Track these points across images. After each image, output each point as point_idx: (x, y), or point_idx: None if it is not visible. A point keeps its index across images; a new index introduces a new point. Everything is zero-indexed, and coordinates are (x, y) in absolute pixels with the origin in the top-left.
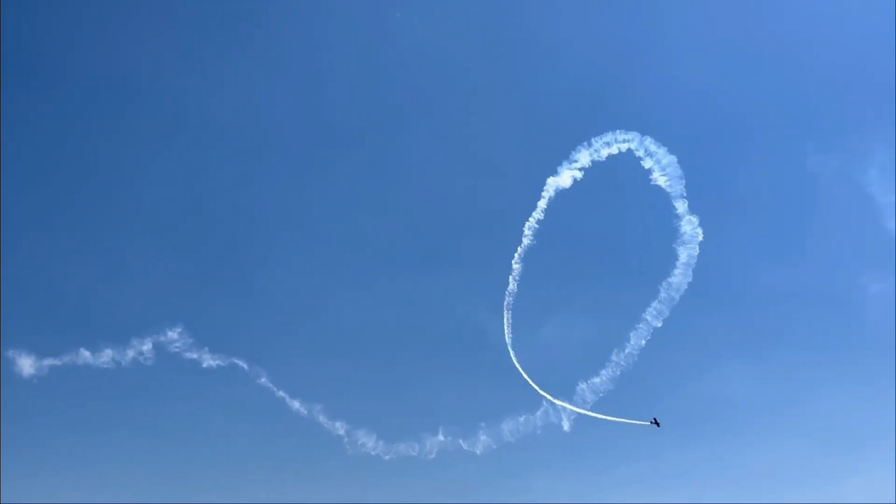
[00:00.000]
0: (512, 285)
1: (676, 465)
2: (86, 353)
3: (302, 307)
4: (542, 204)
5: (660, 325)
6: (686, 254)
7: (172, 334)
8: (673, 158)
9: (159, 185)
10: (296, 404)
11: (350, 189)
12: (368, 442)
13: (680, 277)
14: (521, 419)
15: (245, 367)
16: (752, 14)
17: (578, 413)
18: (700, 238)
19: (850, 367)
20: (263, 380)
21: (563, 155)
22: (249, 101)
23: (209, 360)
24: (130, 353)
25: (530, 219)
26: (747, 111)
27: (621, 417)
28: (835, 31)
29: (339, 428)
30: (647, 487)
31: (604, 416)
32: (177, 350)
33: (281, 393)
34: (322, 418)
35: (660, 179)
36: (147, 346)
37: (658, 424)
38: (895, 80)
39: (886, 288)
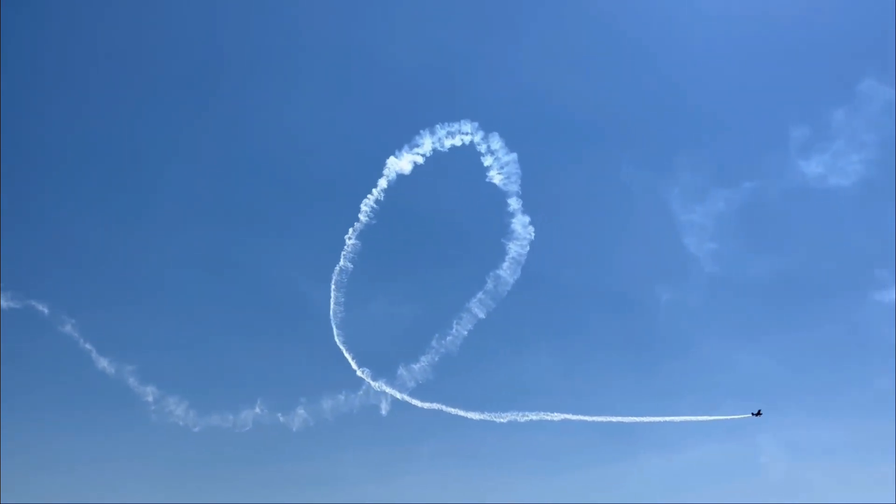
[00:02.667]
0: (343, 262)
1: (477, 447)
2: None
3: (120, 258)
4: (381, 183)
5: (484, 316)
6: (515, 250)
7: None
8: (514, 156)
9: None
10: (103, 362)
11: (178, 138)
12: (178, 410)
13: (508, 272)
14: (342, 397)
15: (45, 311)
16: (596, 36)
17: (403, 398)
18: (532, 237)
19: (638, 365)
20: (68, 328)
21: (406, 138)
22: (88, 29)
23: (1, 301)
24: None
25: (368, 196)
26: (581, 119)
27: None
28: (660, 57)
29: (149, 393)
30: (448, 466)
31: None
32: None
33: (87, 346)
34: (132, 381)
35: (496, 177)
36: None
37: (760, 414)
38: (702, 108)
39: (676, 297)
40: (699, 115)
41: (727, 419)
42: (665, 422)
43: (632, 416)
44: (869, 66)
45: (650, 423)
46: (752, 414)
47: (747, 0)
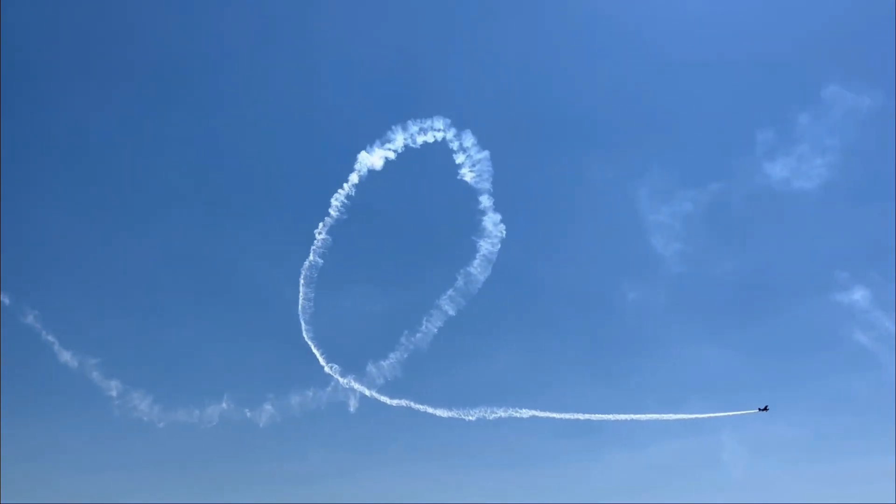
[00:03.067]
0: (312, 257)
1: (446, 444)
2: None
3: (85, 249)
4: (353, 178)
5: (454, 313)
6: (486, 248)
7: None
8: (486, 154)
9: None
10: (66, 355)
11: (147, 132)
12: (142, 405)
13: (479, 270)
14: (310, 393)
15: (7, 301)
16: (570, 36)
17: (374, 395)
18: (503, 234)
19: (605, 362)
20: (30, 319)
21: (377, 133)
22: (33, 22)
23: None
24: None
25: (339, 191)
26: (553, 118)
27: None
28: (631, 59)
29: (113, 388)
30: (416, 463)
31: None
32: None
33: (50, 338)
34: (96, 374)
35: (467, 175)
36: None
37: (766, 409)
38: (671, 110)
39: (641, 296)
40: (668, 116)
41: (733, 415)
42: (632, 419)
43: (600, 413)
44: (833, 72)
45: (624, 420)
46: (759, 409)
47: (716, 6)
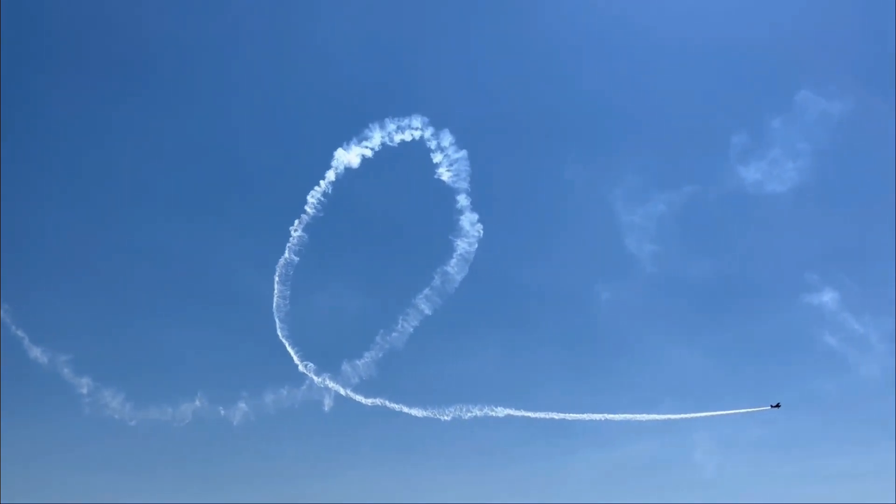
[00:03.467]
0: (288, 254)
1: (420, 443)
2: None
3: (57, 243)
4: (329, 176)
5: (430, 313)
6: (463, 247)
7: None
8: (463, 153)
9: None
10: (36, 351)
11: (122, 126)
12: (113, 403)
13: (455, 269)
14: (284, 392)
15: None
16: (547, 36)
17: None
18: (480, 234)
19: (579, 362)
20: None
21: (355, 131)
22: (30, 23)
23: None
24: None
25: (316, 189)
26: (531, 118)
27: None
28: (609, 62)
29: (84, 385)
30: (391, 462)
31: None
32: None
33: (20, 333)
34: (66, 371)
35: (445, 174)
36: None
37: (779, 406)
38: (648, 113)
39: (615, 296)
40: (644, 119)
41: (745, 412)
42: (606, 419)
43: (574, 412)
44: (805, 77)
45: (599, 420)
46: (772, 406)
47: (694, 12)
